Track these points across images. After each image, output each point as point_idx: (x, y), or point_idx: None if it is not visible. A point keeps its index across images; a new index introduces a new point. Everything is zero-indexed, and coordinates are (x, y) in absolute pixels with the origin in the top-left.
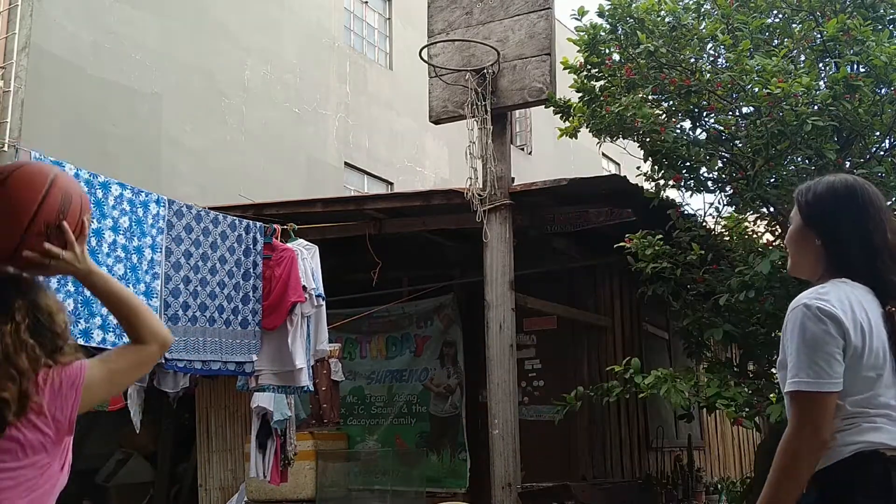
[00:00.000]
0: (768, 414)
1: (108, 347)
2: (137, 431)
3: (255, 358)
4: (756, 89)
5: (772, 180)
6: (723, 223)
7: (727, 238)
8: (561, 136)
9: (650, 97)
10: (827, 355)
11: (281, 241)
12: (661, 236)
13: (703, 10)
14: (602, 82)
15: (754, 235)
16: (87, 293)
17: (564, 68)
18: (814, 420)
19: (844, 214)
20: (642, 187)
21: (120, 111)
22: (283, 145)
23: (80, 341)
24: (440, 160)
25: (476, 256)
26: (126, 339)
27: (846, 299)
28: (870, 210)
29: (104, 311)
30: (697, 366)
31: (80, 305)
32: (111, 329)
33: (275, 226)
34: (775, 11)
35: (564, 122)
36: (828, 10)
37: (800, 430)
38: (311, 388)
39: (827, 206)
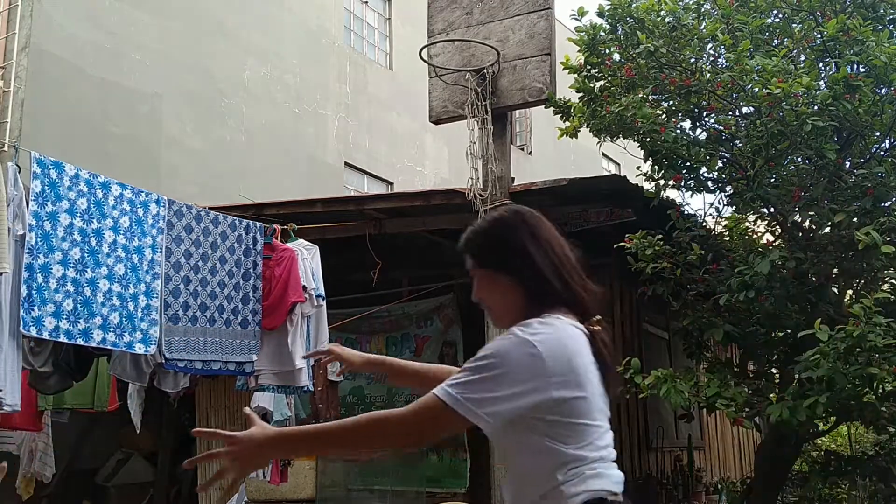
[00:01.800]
0: (768, 414)
1: (109, 348)
2: (138, 431)
3: (254, 358)
4: (756, 89)
5: (772, 180)
6: (723, 223)
7: (727, 238)
8: (561, 136)
9: (650, 97)
10: (506, 390)
11: (281, 241)
12: (661, 236)
13: (703, 10)
14: (602, 82)
15: (754, 235)
16: (87, 293)
17: (564, 68)
18: (434, 429)
19: (523, 242)
20: (642, 187)
21: (120, 111)
22: (283, 145)
23: (80, 341)
24: (440, 160)
25: None
26: (126, 340)
27: (566, 342)
28: (542, 230)
29: (104, 311)
30: (697, 366)
31: (79, 305)
32: (111, 329)
33: (275, 226)
34: (775, 11)
35: (564, 122)
36: (828, 10)
37: (417, 425)
38: (311, 388)
39: (504, 240)
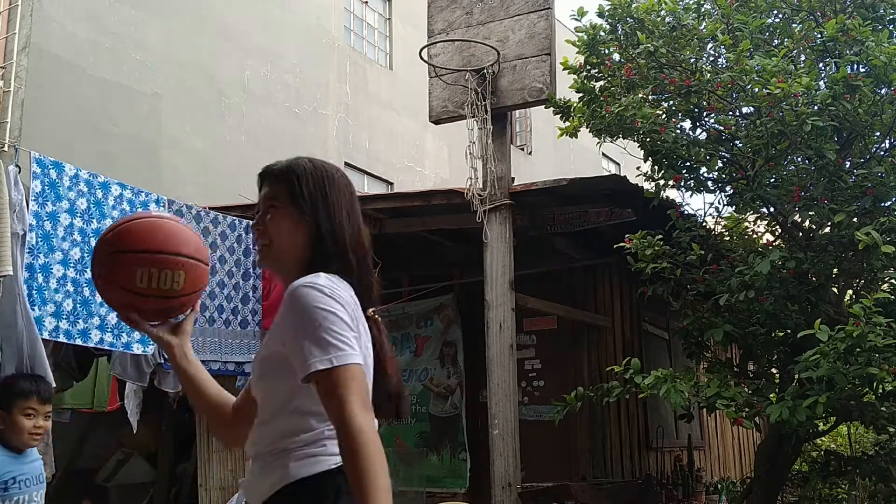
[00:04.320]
0: (768, 414)
1: (106, 348)
2: (135, 431)
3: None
4: (756, 89)
5: (772, 180)
6: (723, 223)
7: (727, 238)
8: (561, 135)
9: (650, 97)
10: (347, 328)
11: None
12: (661, 236)
13: (703, 10)
14: (602, 82)
15: (754, 235)
16: (86, 293)
17: (564, 69)
18: (362, 391)
19: (338, 204)
20: (642, 187)
21: (120, 111)
22: (283, 145)
23: (79, 341)
24: (440, 160)
25: (476, 256)
26: (123, 340)
27: (354, 303)
28: (356, 206)
29: (102, 311)
30: (697, 366)
31: (78, 306)
32: (109, 329)
33: None
34: (775, 11)
35: (564, 122)
36: (828, 10)
37: (355, 407)
38: None
39: (324, 193)
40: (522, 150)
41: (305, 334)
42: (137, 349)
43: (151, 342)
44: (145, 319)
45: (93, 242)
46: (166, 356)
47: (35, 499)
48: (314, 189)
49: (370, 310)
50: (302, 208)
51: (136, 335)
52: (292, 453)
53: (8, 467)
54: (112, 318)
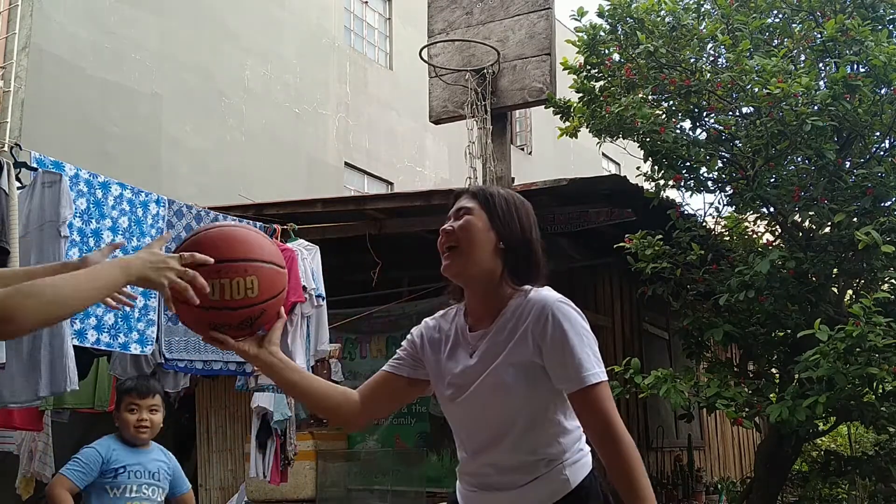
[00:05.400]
0: (768, 414)
1: (103, 348)
2: None
3: None
4: (756, 89)
5: (772, 180)
6: (723, 223)
7: (727, 238)
8: (561, 136)
9: (650, 97)
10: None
11: (281, 241)
12: (661, 236)
13: (703, 10)
14: (602, 83)
15: (754, 235)
16: None
17: (564, 69)
18: (615, 406)
19: (525, 218)
20: (642, 187)
21: (120, 111)
22: (283, 145)
23: (75, 341)
24: (440, 160)
25: None
26: (121, 340)
27: None
28: (536, 221)
29: (99, 311)
30: (697, 366)
31: None
32: (106, 329)
33: (275, 226)
34: (775, 11)
35: (564, 122)
36: (828, 10)
37: (617, 418)
38: None
39: (510, 204)
40: (522, 150)
41: (582, 348)
42: (135, 350)
43: (150, 343)
44: (230, 335)
45: (91, 243)
46: (254, 368)
47: (145, 492)
48: (507, 207)
49: None
50: (494, 219)
51: (135, 335)
52: (564, 460)
53: (121, 456)
54: (109, 318)
